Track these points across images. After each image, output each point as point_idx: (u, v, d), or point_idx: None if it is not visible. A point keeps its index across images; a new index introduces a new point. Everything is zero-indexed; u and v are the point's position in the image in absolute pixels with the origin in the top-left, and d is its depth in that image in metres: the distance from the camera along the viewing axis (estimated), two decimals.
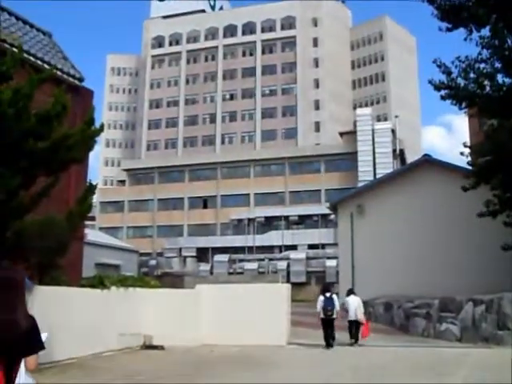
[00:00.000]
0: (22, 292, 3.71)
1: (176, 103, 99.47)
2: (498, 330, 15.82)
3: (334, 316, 17.19)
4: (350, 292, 19.34)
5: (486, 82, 19.66)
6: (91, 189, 10.92)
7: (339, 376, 11.47)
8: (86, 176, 17.72)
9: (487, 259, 23.87)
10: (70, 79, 17.64)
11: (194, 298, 16.95)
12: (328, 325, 17.15)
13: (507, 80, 19.66)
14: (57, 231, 9.75)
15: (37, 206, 10.51)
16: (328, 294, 17.48)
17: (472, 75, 19.78)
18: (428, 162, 28.80)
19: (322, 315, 17.15)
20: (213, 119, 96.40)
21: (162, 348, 14.92)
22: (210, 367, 12.34)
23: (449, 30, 20.37)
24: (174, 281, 21.40)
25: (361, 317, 18.13)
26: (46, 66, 15.86)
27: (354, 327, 18.02)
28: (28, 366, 3.64)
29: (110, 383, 10.46)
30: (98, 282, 15.22)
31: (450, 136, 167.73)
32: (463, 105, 20.54)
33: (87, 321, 13.82)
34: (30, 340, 3.63)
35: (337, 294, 21.59)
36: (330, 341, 16.99)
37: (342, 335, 17.76)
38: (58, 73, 16.49)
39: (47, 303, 12.15)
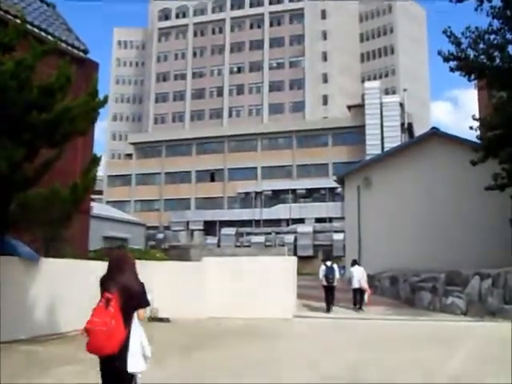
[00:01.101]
0: (133, 266, 5.67)
1: (183, 76, 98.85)
2: (504, 304, 15.73)
3: (335, 283, 19.10)
4: (355, 263, 21.06)
5: (496, 54, 19.34)
6: (96, 160, 10.81)
7: (343, 348, 11.45)
8: (91, 149, 17.65)
9: (495, 234, 23.74)
10: (75, 51, 17.48)
11: (200, 270, 16.89)
12: (329, 291, 19.06)
13: None
14: (61, 204, 9.69)
15: (41, 179, 10.45)
16: (329, 263, 19.40)
17: (482, 46, 19.46)
18: (436, 135, 28.53)
19: (324, 282, 19.12)
20: (220, 92, 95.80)
21: (167, 320, 14.93)
22: (215, 339, 12.35)
23: (459, 0, 20.02)
24: (180, 254, 21.38)
25: (364, 285, 19.74)
26: (49, 37, 15.69)
27: (358, 294, 19.72)
28: (139, 316, 5.45)
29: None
30: (106, 255, 15.21)
31: (457, 111, 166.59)
32: (472, 76, 20.24)
33: (93, 293, 13.80)
34: (140, 298, 5.46)
35: (343, 267, 21.74)
36: (330, 305, 18.91)
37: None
38: (62, 44, 16.35)
39: (52, 275, 12.19)
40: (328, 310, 18.79)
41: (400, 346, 11.87)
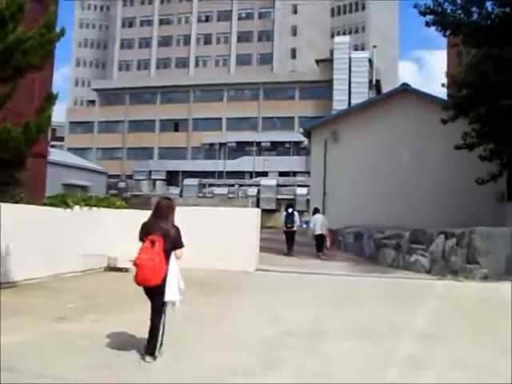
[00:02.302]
0: (173, 212, 6.85)
1: (150, 23, 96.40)
2: (467, 264, 15.66)
3: (294, 228, 21.01)
4: (316, 211, 22.30)
5: (473, 9, 18.83)
6: (51, 99, 10.03)
7: (305, 304, 11.13)
8: (50, 91, 16.70)
9: (462, 193, 23.71)
10: None
11: None
12: (289, 236, 20.97)
13: (496, 8, 18.81)
14: (12, 144, 8.99)
15: None
16: (290, 210, 21.34)
17: (460, 1, 18.93)
18: (406, 92, 28.08)
19: (284, 228, 21.24)
20: (187, 41, 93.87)
21: (126, 270, 14.41)
22: None
23: None
24: (142, 203, 20.80)
25: (325, 231, 21.06)
26: None
27: (319, 241, 20.94)
28: (176, 255, 6.74)
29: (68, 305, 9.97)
30: (61, 201, 14.55)
31: (423, 72, 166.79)
32: (448, 32, 19.77)
33: (48, 240, 13.22)
34: (177, 241, 6.71)
35: (306, 222, 21.96)
36: (290, 250, 20.82)
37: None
38: None
39: (5, 221, 11.50)
40: (288, 253, 20.61)
41: (364, 301, 11.65)
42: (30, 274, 12.54)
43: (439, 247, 16.90)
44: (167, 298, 6.56)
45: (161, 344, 6.60)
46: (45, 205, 14.19)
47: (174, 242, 6.63)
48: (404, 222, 21.10)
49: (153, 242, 6.42)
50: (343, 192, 27.08)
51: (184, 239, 6.81)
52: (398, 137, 26.39)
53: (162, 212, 6.76)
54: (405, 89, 28.36)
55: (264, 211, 30.90)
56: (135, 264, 6.42)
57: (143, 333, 6.90)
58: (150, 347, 6.56)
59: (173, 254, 6.68)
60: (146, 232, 6.63)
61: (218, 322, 9.21)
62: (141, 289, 6.63)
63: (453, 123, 20.03)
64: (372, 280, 15.73)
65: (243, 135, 72.93)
